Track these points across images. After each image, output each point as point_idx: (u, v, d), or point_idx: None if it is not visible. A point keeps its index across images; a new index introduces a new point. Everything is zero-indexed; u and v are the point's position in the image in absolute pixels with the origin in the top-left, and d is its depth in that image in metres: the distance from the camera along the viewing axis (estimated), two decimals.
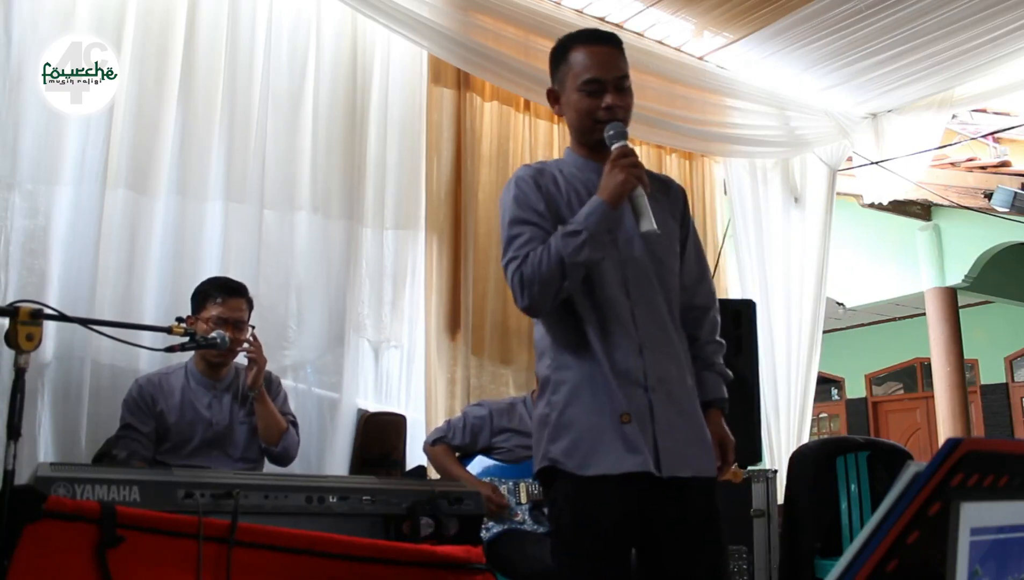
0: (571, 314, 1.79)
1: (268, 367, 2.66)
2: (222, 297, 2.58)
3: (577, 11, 3.99)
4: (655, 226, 1.69)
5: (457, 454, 3.03)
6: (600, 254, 1.73)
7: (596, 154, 1.82)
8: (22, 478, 1.72)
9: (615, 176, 1.70)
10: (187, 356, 2.58)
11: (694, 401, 1.82)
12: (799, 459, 3.65)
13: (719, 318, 1.97)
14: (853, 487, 3.53)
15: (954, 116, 5.66)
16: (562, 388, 1.77)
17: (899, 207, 6.57)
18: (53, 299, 2.68)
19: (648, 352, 1.76)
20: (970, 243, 7.02)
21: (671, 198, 1.93)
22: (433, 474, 3.07)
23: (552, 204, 1.80)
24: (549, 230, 1.75)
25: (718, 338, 1.95)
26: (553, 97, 1.89)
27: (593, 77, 1.79)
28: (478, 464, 2.98)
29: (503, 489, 2.91)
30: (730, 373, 1.96)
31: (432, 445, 3.01)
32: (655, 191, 1.79)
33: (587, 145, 1.86)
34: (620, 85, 1.81)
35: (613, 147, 1.75)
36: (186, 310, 2.61)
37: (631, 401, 1.72)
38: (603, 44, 1.83)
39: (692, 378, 1.84)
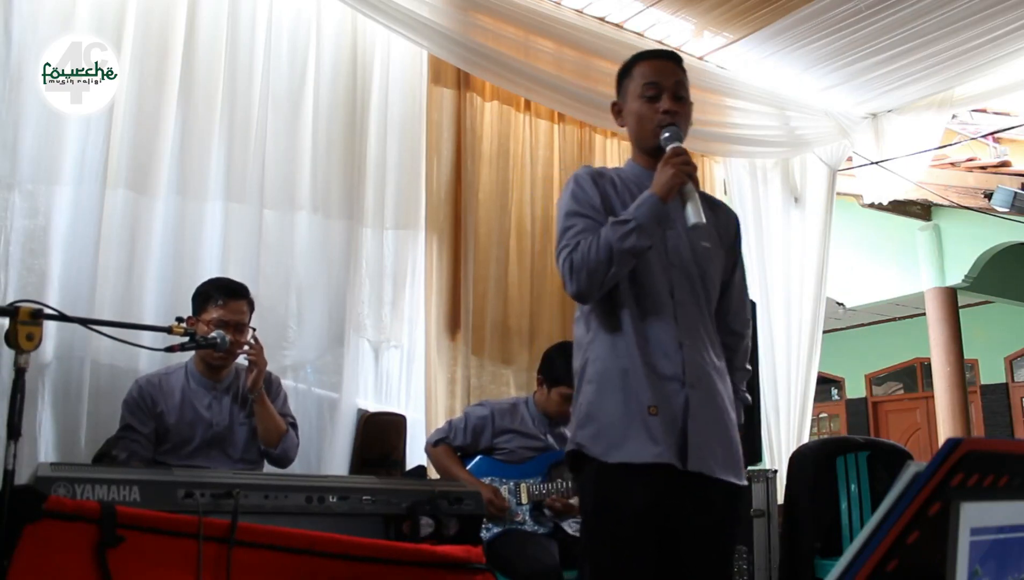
0: (614, 309, 1.86)
1: (268, 367, 2.66)
2: (223, 299, 2.57)
3: (577, 11, 3.99)
4: (703, 219, 1.77)
5: (459, 454, 3.04)
6: (647, 242, 1.78)
7: (655, 164, 1.88)
8: (22, 478, 1.72)
9: (666, 171, 1.79)
10: (187, 356, 2.58)
11: (730, 408, 1.89)
12: (799, 459, 3.65)
13: (750, 345, 2.06)
14: (853, 487, 3.53)
15: (954, 116, 5.66)
16: (595, 379, 1.85)
17: (899, 207, 6.56)
18: (53, 299, 2.68)
19: (688, 351, 1.82)
20: (970, 243, 7.01)
21: (720, 220, 2.03)
22: (433, 474, 3.07)
23: (607, 202, 1.89)
24: (602, 224, 1.82)
25: (747, 366, 2.03)
26: (616, 110, 2.02)
27: (651, 81, 1.92)
28: (479, 464, 2.98)
29: (504, 490, 2.91)
30: (749, 398, 2.04)
31: (434, 446, 3.01)
32: (705, 208, 1.85)
33: (646, 152, 1.95)
34: (677, 93, 1.93)
35: (667, 148, 1.83)
36: (186, 310, 2.61)
37: (664, 395, 1.79)
38: (663, 58, 1.99)
39: (729, 386, 1.91)
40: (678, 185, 1.79)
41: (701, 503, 1.79)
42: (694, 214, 1.77)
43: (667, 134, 1.86)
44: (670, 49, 2.03)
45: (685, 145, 1.92)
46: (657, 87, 1.91)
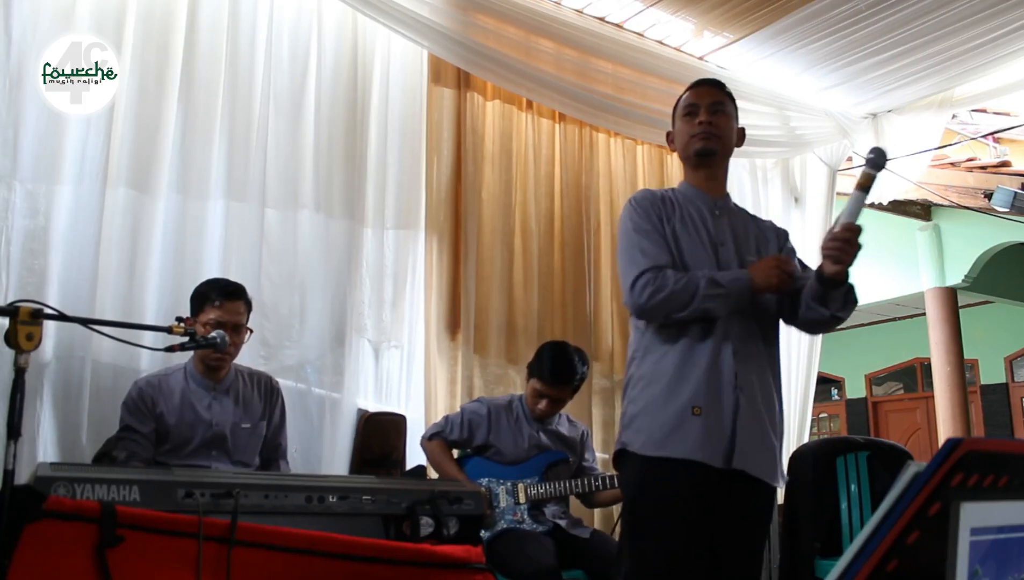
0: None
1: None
2: (220, 300, 2.55)
3: (577, 11, 3.99)
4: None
5: (455, 450, 3.03)
6: (724, 314, 1.93)
7: (702, 178, 2.11)
8: (22, 478, 1.72)
9: (772, 275, 1.94)
10: (187, 356, 2.57)
11: (775, 418, 2.00)
12: (799, 459, 3.65)
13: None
14: (853, 487, 3.53)
15: (954, 116, 5.65)
16: (640, 381, 1.98)
17: (899, 207, 6.56)
18: (53, 299, 2.68)
19: (740, 359, 1.94)
20: (970, 243, 7.01)
21: (764, 232, 2.18)
22: (433, 474, 3.07)
23: (666, 215, 2.04)
24: (667, 238, 2.00)
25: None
26: (669, 138, 2.21)
27: (690, 102, 2.13)
28: (476, 465, 2.98)
29: (502, 490, 2.91)
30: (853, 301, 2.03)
31: (428, 440, 3.02)
32: (749, 224, 2.14)
33: (689, 163, 2.13)
34: (714, 109, 2.10)
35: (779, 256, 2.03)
36: (187, 309, 2.61)
37: (715, 396, 1.90)
38: (704, 85, 2.17)
39: (778, 398, 2.03)
40: (773, 289, 1.95)
41: (742, 501, 1.90)
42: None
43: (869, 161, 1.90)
44: (716, 79, 2.23)
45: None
46: (695, 106, 2.11)
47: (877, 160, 1.87)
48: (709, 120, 2.07)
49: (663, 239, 2.00)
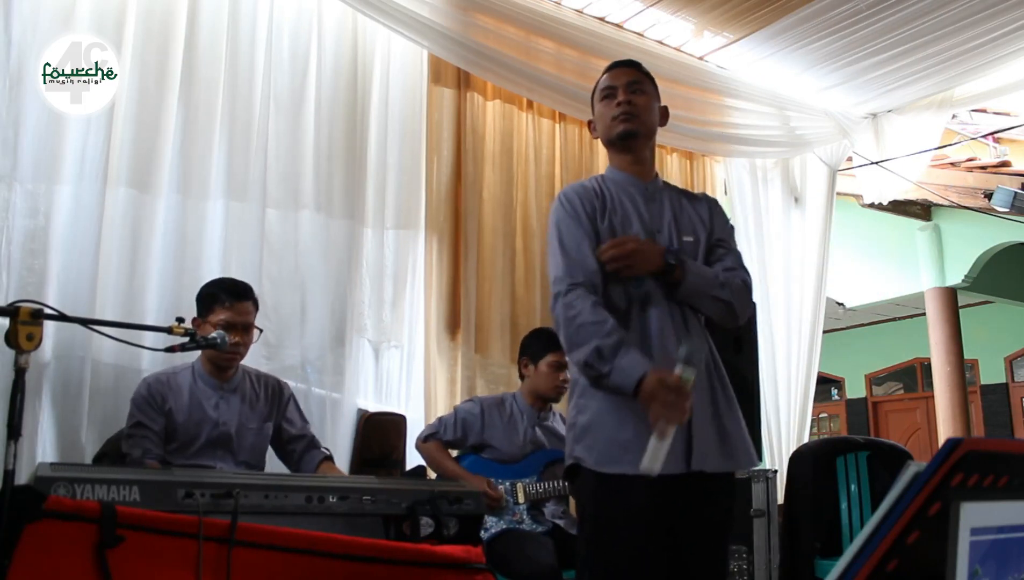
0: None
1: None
2: (230, 301, 2.54)
3: (577, 11, 3.99)
4: (654, 471, 1.65)
5: (453, 451, 3.04)
6: (604, 390, 1.83)
7: (628, 162, 2.03)
8: (22, 478, 1.72)
9: (657, 403, 1.68)
10: (191, 356, 2.57)
11: (733, 403, 1.93)
12: (799, 459, 3.65)
13: (741, 284, 1.99)
14: (853, 487, 3.53)
15: (954, 116, 5.66)
16: (588, 391, 1.88)
17: (899, 207, 6.56)
18: (53, 299, 2.68)
19: (689, 356, 1.81)
20: (970, 243, 7.02)
21: (699, 210, 2.07)
22: (431, 475, 3.07)
23: (599, 209, 1.97)
24: (598, 236, 1.93)
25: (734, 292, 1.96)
26: (591, 126, 2.14)
27: (607, 85, 2.06)
28: (472, 464, 2.98)
29: (500, 489, 2.91)
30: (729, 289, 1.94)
31: (424, 441, 3.02)
32: (684, 200, 2.04)
33: (613, 147, 2.06)
34: (632, 88, 2.03)
35: (676, 369, 1.72)
36: (188, 309, 2.60)
37: None
38: (619, 66, 2.10)
39: (720, 380, 1.94)
40: (653, 417, 1.69)
41: (702, 499, 1.84)
42: (648, 459, 1.63)
43: (684, 354, 1.74)
44: (631, 59, 2.16)
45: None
46: (612, 88, 2.04)
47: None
48: (628, 99, 2.00)
49: (590, 241, 1.91)
